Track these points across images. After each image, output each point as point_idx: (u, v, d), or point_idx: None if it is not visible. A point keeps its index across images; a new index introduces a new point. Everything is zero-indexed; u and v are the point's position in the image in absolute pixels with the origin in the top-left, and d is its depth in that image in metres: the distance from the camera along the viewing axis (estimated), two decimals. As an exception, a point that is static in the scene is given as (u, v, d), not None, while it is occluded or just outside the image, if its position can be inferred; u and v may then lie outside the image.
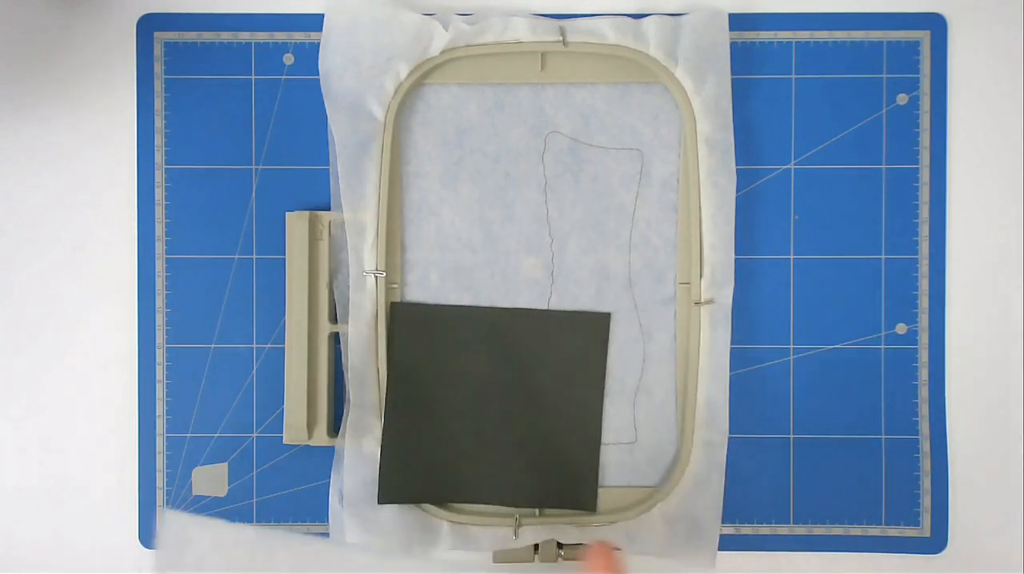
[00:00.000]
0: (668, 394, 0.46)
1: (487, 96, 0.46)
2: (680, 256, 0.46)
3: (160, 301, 0.46)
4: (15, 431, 0.47)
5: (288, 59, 0.47)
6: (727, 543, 0.46)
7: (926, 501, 0.46)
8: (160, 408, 0.46)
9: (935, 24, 0.47)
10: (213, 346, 0.46)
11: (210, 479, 0.46)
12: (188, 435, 0.46)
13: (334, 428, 0.46)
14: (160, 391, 0.46)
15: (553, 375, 0.46)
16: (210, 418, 0.46)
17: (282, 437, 0.46)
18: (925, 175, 0.47)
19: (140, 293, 0.47)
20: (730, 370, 0.46)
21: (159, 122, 0.47)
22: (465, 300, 0.46)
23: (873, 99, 0.47)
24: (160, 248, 0.46)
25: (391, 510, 0.45)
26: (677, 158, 0.46)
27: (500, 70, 0.46)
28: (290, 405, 0.45)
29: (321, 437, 0.45)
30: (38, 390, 0.47)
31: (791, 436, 0.46)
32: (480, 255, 0.46)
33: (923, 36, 0.47)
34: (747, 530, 0.46)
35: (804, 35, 0.47)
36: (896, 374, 0.46)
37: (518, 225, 0.46)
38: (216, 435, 0.46)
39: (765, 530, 0.46)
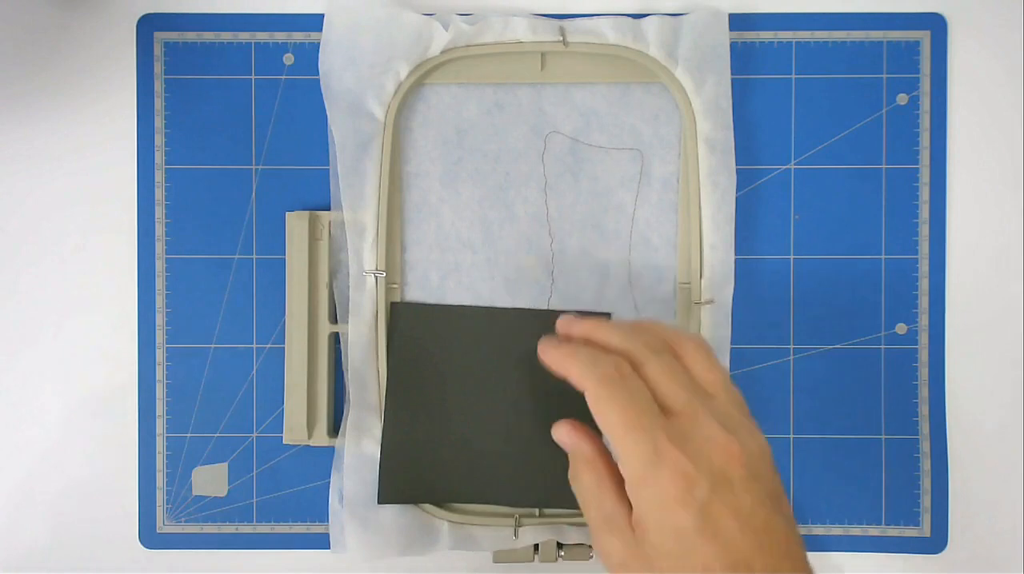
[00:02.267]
0: (668, 394, 0.46)
1: (487, 96, 0.46)
2: (680, 256, 0.46)
3: (160, 301, 0.46)
4: (15, 431, 0.47)
5: (288, 59, 0.47)
6: (727, 543, 0.46)
7: (926, 501, 0.46)
8: (160, 408, 0.46)
9: (935, 24, 0.47)
10: (213, 346, 0.46)
11: (210, 479, 0.46)
12: (188, 435, 0.46)
13: (334, 428, 0.46)
14: (160, 391, 0.46)
15: (553, 375, 0.46)
16: (210, 418, 0.46)
17: (282, 437, 0.46)
18: (925, 175, 0.47)
19: (140, 293, 0.47)
20: (730, 370, 0.46)
21: (159, 122, 0.47)
22: (465, 300, 0.46)
23: (873, 99, 0.47)
24: (160, 248, 0.46)
25: (391, 510, 0.45)
26: (677, 158, 0.46)
27: (500, 70, 0.46)
28: (290, 405, 0.45)
29: (321, 437, 0.45)
30: (38, 390, 0.47)
31: (791, 436, 0.46)
32: (480, 255, 0.46)
33: (923, 36, 0.47)
34: (747, 530, 0.46)
35: (804, 35, 0.47)
36: (896, 374, 0.46)
37: (518, 225, 0.46)
38: (216, 435, 0.46)
39: (765, 530, 0.46)
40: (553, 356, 0.38)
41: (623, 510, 0.35)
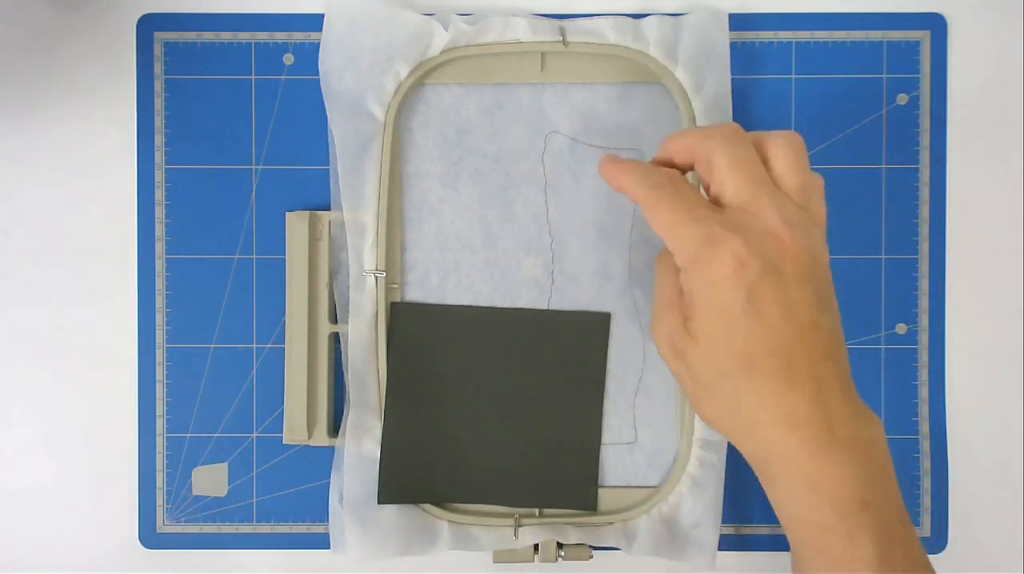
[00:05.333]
0: (668, 394, 0.46)
1: (487, 96, 0.46)
2: (680, 256, 0.46)
3: (160, 301, 0.46)
4: (15, 431, 0.47)
5: (288, 59, 0.47)
6: (727, 543, 0.46)
7: (926, 501, 0.46)
8: (160, 408, 0.46)
9: (935, 24, 0.47)
10: (213, 346, 0.46)
11: (210, 479, 0.46)
12: (188, 435, 0.46)
13: (334, 428, 0.46)
14: (160, 391, 0.46)
15: (553, 375, 0.46)
16: (210, 418, 0.46)
17: (282, 437, 0.46)
18: (925, 175, 0.47)
19: (140, 293, 0.47)
20: (730, 370, 0.45)
21: (159, 122, 0.47)
22: (465, 300, 0.46)
23: (873, 99, 0.47)
24: (160, 248, 0.46)
25: (391, 510, 0.45)
26: (677, 158, 0.46)
27: (500, 70, 0.46)
28: (290, 405, 0.45)
29: (321, 437, 0.45)
30: (38, 390, 0.47)
31: (791, 436, 0.46)
32: (480, 255, 0.46)
33: (923, 36, 0.47)
34: (747, 530, 0.46)
35: (804, 35, 0.47)
36: (896, 374, 0.46)
37: (518, 225, 0.46)
38: (216, 435, 0.46)
39: (765, 530, 0.46)
40: (609, 169, 0.38)
41: (682, 296, 0.36)
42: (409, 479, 0.45)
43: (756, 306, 0.34)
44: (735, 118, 0.45)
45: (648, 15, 0.45)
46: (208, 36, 0.47)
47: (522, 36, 0.45)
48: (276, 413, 0.46)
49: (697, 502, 0.45)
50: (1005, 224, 0.47)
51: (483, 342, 0.46)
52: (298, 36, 0.47)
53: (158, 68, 0.47)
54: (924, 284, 0.46)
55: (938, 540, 0.46)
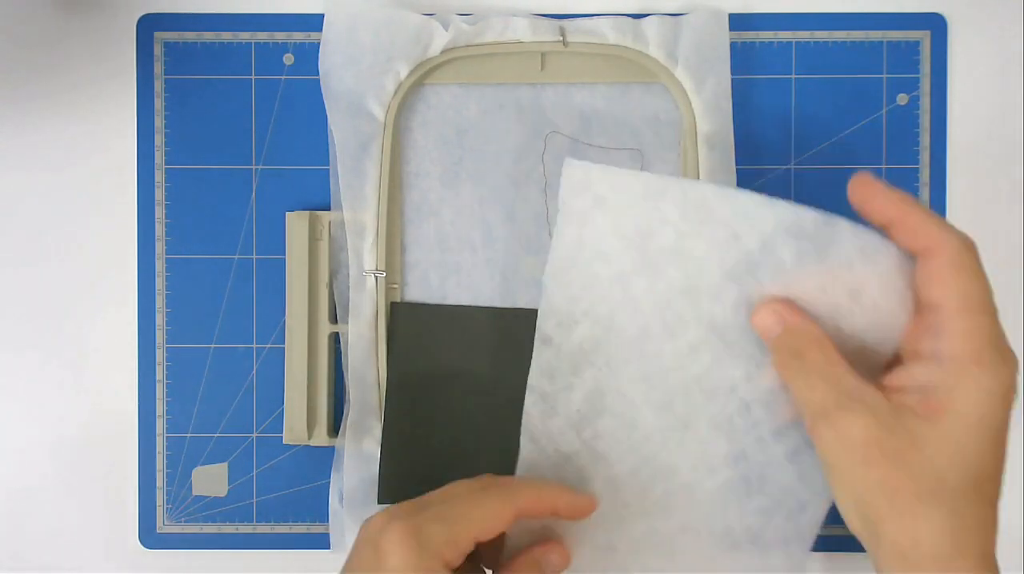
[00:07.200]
0: (668, 394, 0.46)
1: (487, 96, 0.46)
2: (680, 256, 0.46)
3: (160, 301, 0.46)
4: (15, 431, 0.47)
5: (288, 59, 0.47)
6: (727, 543, 0.46)
7: (926, 501, 0.46)
8: (160, 408, 0.46)
9: (935, 24, 0.47)
10: (213, 346, 0.46)
11: (210, 479, 0.46)
12: (188, 435, 0.46)
13: (334, 428, 0.46)
14: (160, 391, 0.46)
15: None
16: (210, 418, 0.46)
17: (282, 437, 0.46)
18: (925, 175, 0.47)
19: (140, 293, 0.47)
20: (730, 370, 0.45)
21: (159, 122, 0.47)
22: (465, 300, 0.46)
23: (873, 99, 0.47)
24: (160, 248, 0.46)
25: (391, 510, 0.45)
26: (677, 158, 0.46)
27: (500, 70, 0.46)
28: (290, 405, 0.45)
29: (321, 437, 0.45)
30: (38, 390, 0.47)
31: (791, 436, 0.46)
32: (480, 255, 0.46)
33: (923, 36, 0.47)
34: (747, 530, 0.46)
35: (804, 35, 0.47)
36: (896, 374, 0.46)
37: (518, 225, 0.46)
38: (216, 435, 0.46)
39: (765, 530, 0.46)
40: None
41: (869, 384, 0.33)
42: (409, 479, 0.45)
43: (1005, 431, 0.33)
44: (735, 118, 0.45)
45: (648, 15, 0.45)
46: (208, 36, 0.47)
47: (522, 36, 0.45)
48: (276, 413, 0.46)
49: (697, 502, 0.45)
50: (1005, 224, 0.47)
51: (483, 342, 0.46)
52: (298, 36, 0.47)
53: (158, 68, 0.47)
54: (924, 284, 0.46)
55: (938, 540, 0.46)
